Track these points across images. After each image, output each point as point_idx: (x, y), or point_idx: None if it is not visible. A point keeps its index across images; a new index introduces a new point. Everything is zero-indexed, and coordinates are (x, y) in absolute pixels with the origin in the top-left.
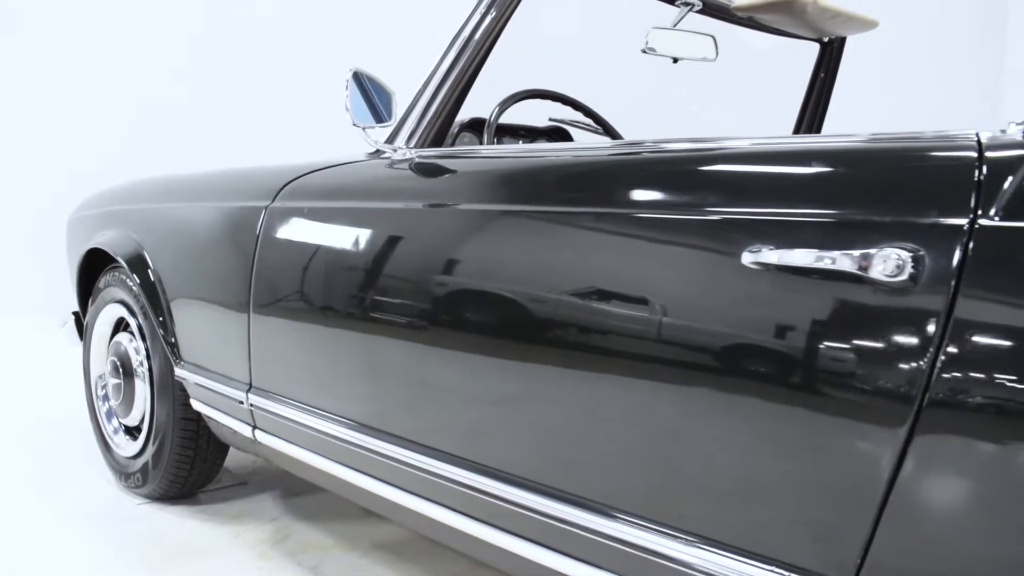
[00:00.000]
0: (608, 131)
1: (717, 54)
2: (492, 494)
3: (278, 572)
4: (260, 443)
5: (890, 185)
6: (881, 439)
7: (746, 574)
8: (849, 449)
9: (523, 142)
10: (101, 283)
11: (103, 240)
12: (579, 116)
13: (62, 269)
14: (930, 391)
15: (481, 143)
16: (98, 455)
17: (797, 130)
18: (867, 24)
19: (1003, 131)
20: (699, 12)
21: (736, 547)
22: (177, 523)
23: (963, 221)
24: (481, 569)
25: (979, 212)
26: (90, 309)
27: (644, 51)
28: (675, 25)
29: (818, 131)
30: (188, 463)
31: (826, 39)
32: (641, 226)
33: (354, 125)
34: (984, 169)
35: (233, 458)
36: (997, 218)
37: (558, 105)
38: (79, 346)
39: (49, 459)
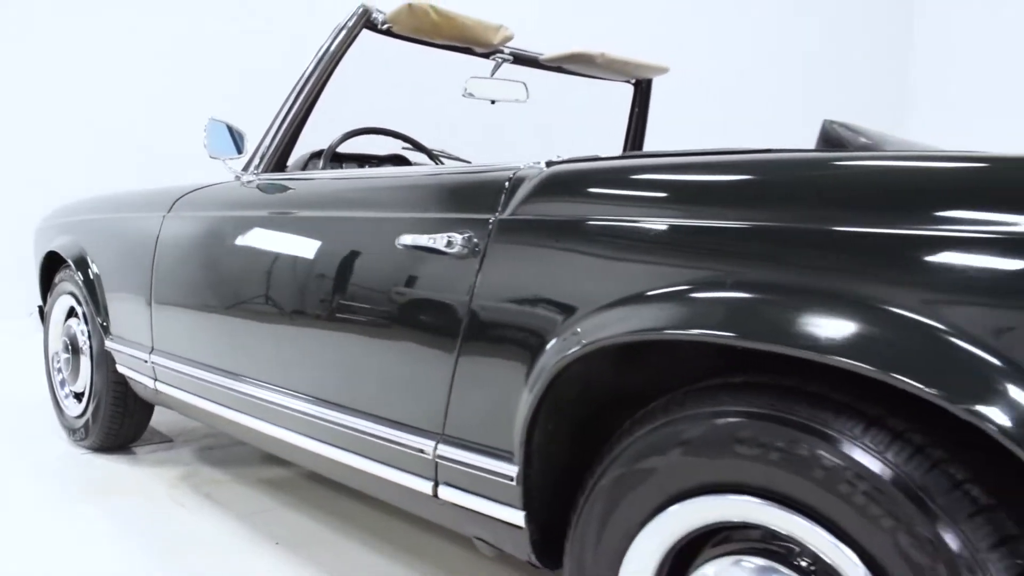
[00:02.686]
0: (432, 157)
1: (528, 96)
2: (288, 407)
3: (181, 497)
4: (160, 392)
5: (465, 194)
6: (449, 344)
7: (393, 434)
8: (437, 352)
9: (368, 166)
10: (57, 279)
11: (57, 245)
12: (406, 146)
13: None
14: (470, 313)
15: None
16: (54, 421)
17: None
18: (658, 69)
19: (536, 163)
20: (513, 63)
21: (391, 419)
22: (111, 467)
23: (491, 216)
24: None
25: (500, 212)
26: (49, 300)
27: (464, 96)
28: (493, 74)
29: None
30: (119, 419)
31: (634, 80)
32: (353, 225)
33: (211, 157)
34: (508, 186)
35: (165, 423)
36: (507, 214)
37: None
38: (42, 331)
39: (15, 428)
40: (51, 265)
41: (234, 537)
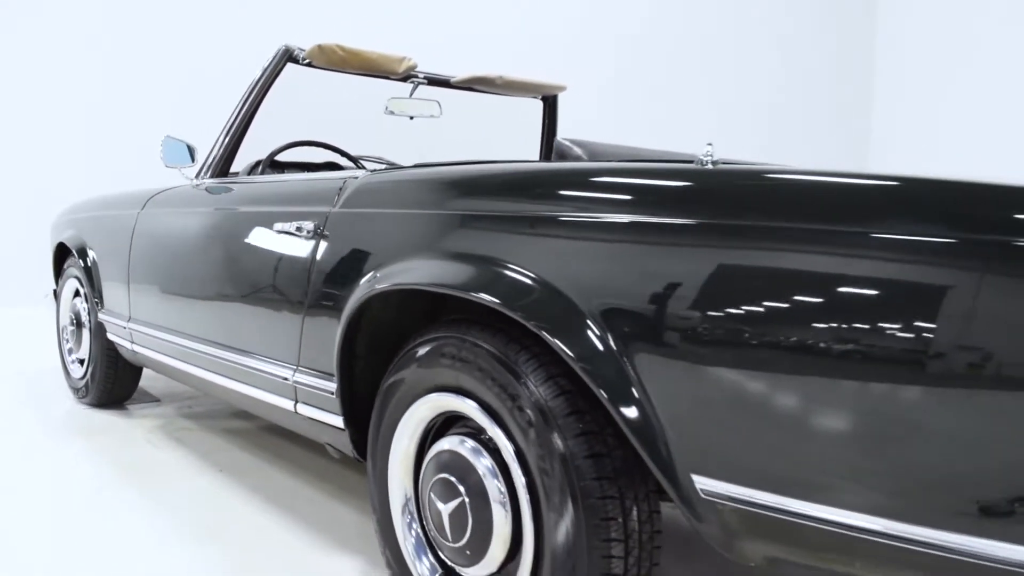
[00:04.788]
0: (354, 161)
1: (441, 112)
2: (215, 355)
3: (154, 439)
4: (136, 352)
5: (315, 194)
6: (301, 299)
7: (268, 368)
8: (294, 306)
9: (307, 171)
10: (66, 265)
11: (65, 237)
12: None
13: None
14: (313, 277)
15: (261, 174)
16: (63, 383)
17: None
18: (556, 88)
19: (367, 172)
20: (429, 84)
21: (267, 356)
22: (105, 418)
23: (329, 209)
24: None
25: (334, 206)
26: (60, 283)
27: (385, 113)
28: (411, 95)
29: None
30: (111, 379)
31: (540, 96)
32: (255, 217)
33: (167, 167)
34: (341, 188)
35: (156, 388)
36: (337, 208)
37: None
38: (55, 311)
39: (32, 389)
40: (61, 254)
41: (187, 465)
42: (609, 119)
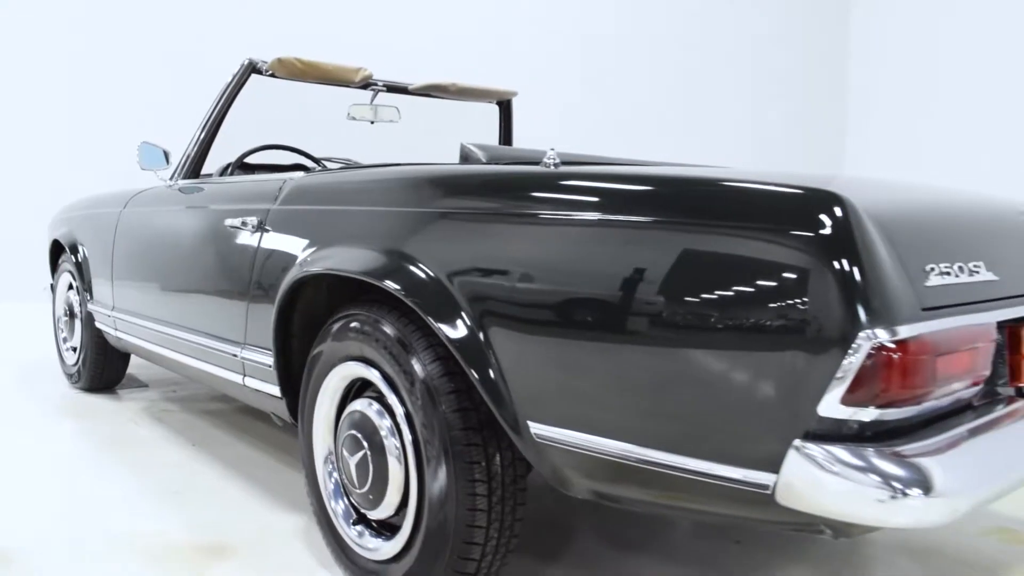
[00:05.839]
0: (316, 162)
1: (400, 117)
2: (181, 337)
3: (139, 420)
4: (120, 338)
5: (258, 193)
6: (246, 285)
7: (220, 346)
8: (240, 291)
9: (277, 172)
10: (60, 260)
11: (59, 234)
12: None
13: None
14: (256, 266)
15: (232, 175)
16: (59, 370)
17: None
18: (507, 93)
19: (303, 174)
20: (388, 92)
21: (219, 336)
22: (95, 401)
23: (270, 206)
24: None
25: (274, 204)
26: (55, 277)
27: (347, 119)
28: (372, 101)
29: None
30: (101, 365)
31: (496, 101)
32: (213, 214)
33: (143, 169)
34: (280, 188)
35: (145, 375)
36: (277, 205)
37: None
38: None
39: (31, 376)
40: (56, 250)
41: (164, 440)
42: (581, 122)
